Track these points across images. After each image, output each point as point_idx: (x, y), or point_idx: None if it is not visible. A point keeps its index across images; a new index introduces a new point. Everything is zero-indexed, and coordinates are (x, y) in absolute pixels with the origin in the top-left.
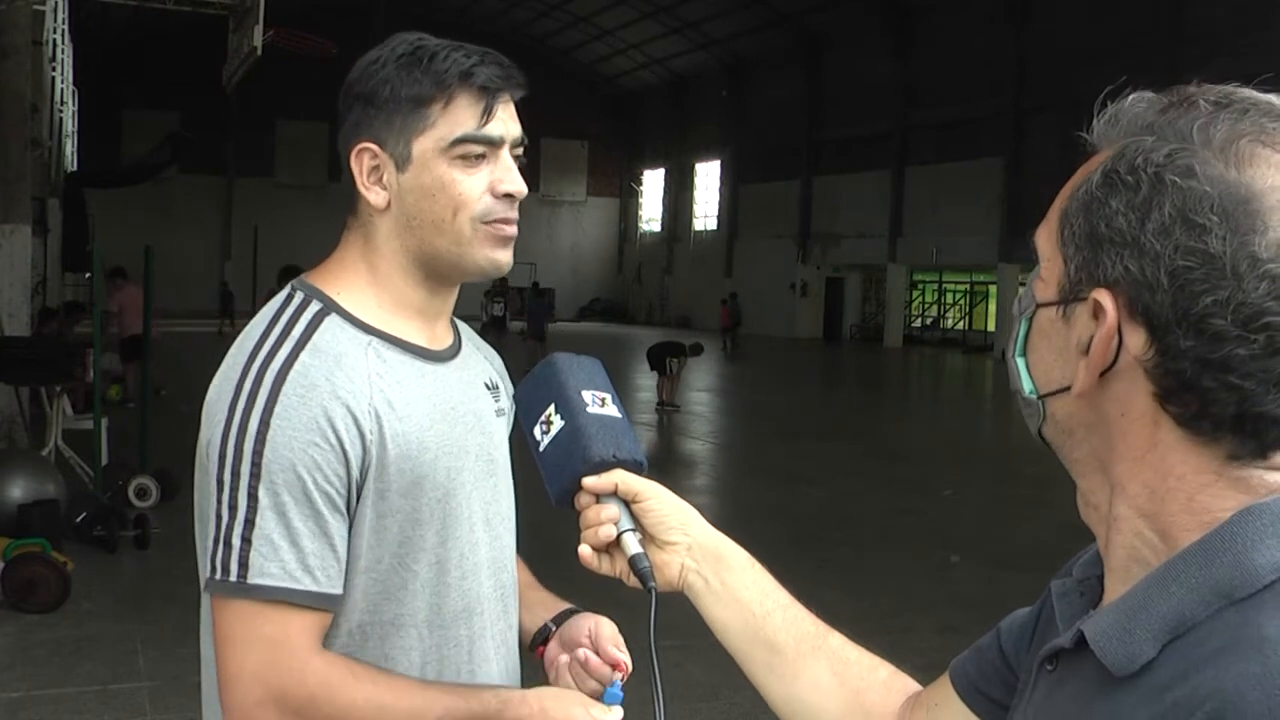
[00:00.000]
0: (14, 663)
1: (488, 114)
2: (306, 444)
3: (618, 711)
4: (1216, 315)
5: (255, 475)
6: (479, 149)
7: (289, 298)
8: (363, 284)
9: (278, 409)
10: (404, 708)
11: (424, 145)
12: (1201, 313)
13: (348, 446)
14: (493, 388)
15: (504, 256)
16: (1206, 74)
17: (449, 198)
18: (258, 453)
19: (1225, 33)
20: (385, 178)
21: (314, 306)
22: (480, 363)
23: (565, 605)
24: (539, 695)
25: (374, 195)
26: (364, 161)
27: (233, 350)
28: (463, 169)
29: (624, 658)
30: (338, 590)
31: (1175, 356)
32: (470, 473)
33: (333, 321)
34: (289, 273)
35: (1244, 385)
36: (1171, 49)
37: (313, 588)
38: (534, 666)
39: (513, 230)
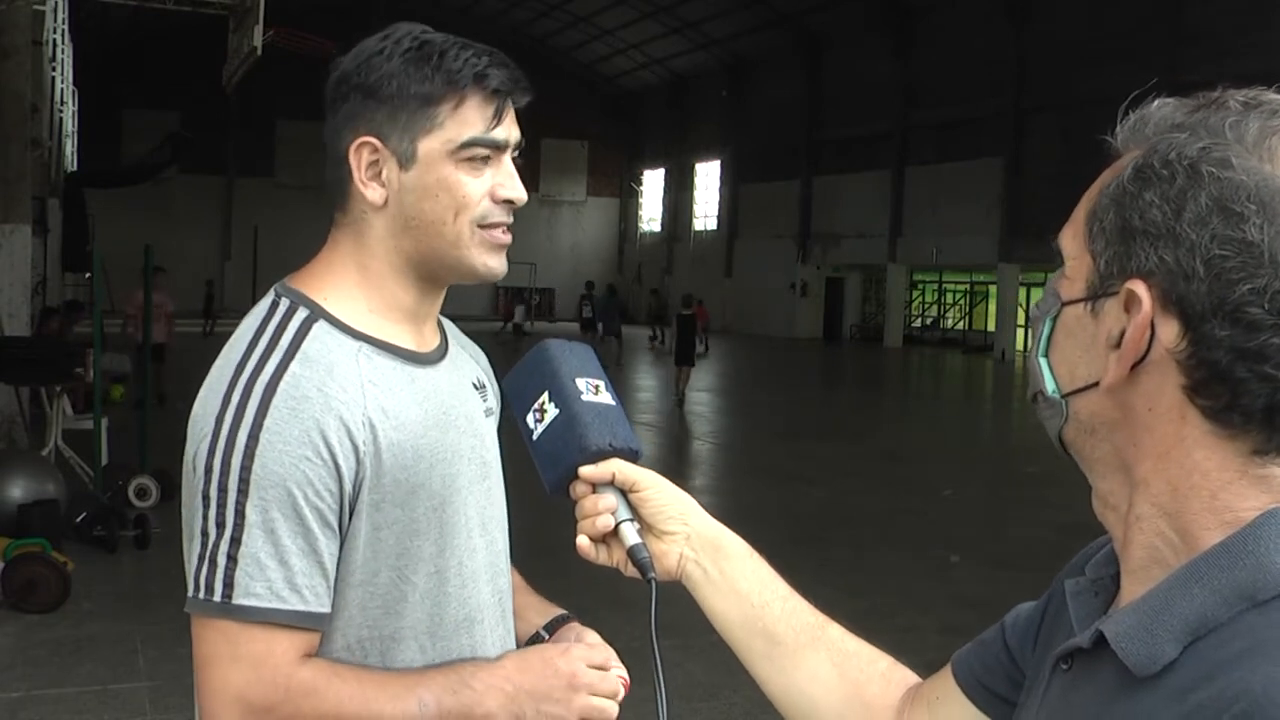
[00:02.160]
0: (14, 663)
1: (497, 117)
2: (298, 459)
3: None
4: (1253, 304)
5: (243, 491)
6: (485, 152)
7: (274, 305)
8: (351, 286)
9: (268, 422)
10: (386, 696)
11: (430, 145)
12: (1238, 301)
13: (340, 460)
14: (480, 387)
15: (498, 264)
16: (1206, 74)
17: (452, 199)
18: (246, 468)
19: (1225, 33)
20: (385, 174)
21: (301, 313)
22: (467, 362)
23: (557, 611)
24: (519, 653)
25: (371, 191)
26: (363, 156)
27: (218, 361)
28: (468, 171)
29: (619, 673)
30: (325, 609)
31: (1210, 346)
32: (465, 477)
33: (321, 328)
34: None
35: (1277, 375)
36: (1171, 49)
37: (300, 607)
38: None
39: (508, 239)
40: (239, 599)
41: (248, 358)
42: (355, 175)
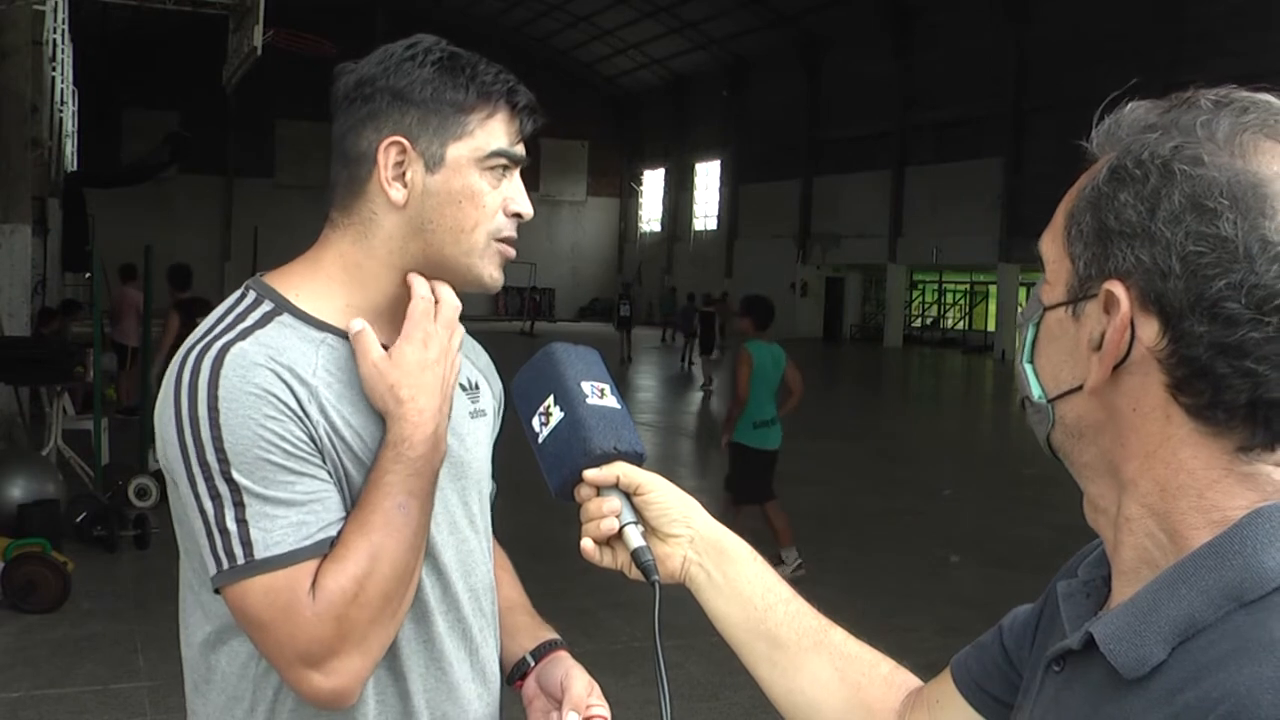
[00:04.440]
0: (14, 663)
1: (520, 135)
2: (262, 418)
3: None
4: (1230, 299)
5: (224, 461)
6: (505, 164)
7: (240, 297)
8: (333, 284)
9: (221, 392)
10: (382, 525)
11: (459, 151)
12: (1215, 296)
13: (299, 412)
14: (470, 388)
15: (501, 276)
16: (1206, 74)
17: (475, 207)
18: (217, 439)
19: (1225, 33)
20: (409, 175)
21: (265, 306)
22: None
23: (547, 635)
24: None
25: (395, 191)
26: (390, 155)
27: (179, 350)
28: (490, 181)
29: (601, 712)
30: (339, 514)
31: (1189, 343)
32: None
33: (283, 321)
34: (178, 271)
35: (1258, 370)
36: (1171, 49)
37: (319, 536)
38: (513, 696)
39: (513, 253)
40: (262, 553)
41: (201, 338)
42: (381, 174)
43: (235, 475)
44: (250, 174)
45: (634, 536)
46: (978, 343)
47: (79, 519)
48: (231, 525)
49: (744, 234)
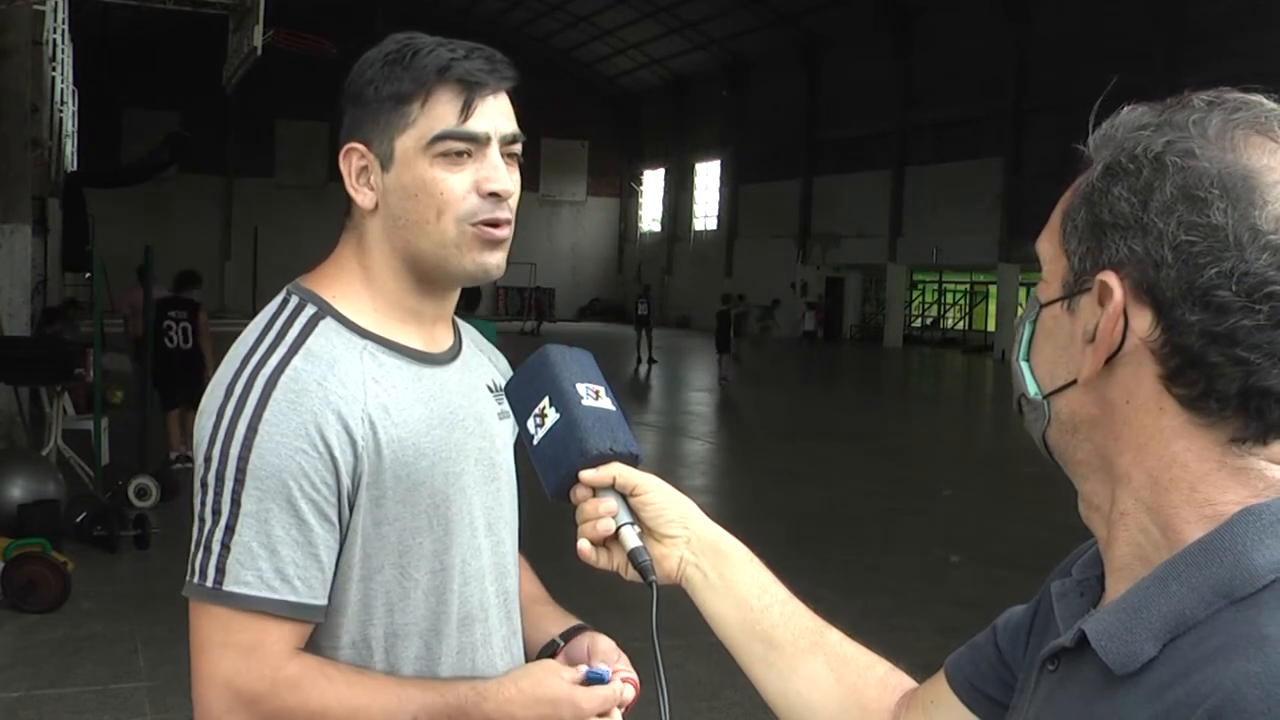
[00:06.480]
0: (14, 663)
1: (467, 109)
2: (294, 451)
3: (606, 687)
4: (1221, 287)
5: (240, 481)
6: (460, 146)
7: (284, 302)
8: (358, 287)
9: (266, 414)
10: (378, 707)
11: (405, 144)
12: (1206, 285)
13: (338, 453)
14: (496, 390)
15: (492, 260)
16: (1206, 74)
17: (431, 198)
18: (243, 459)
19: (1225, 33)
20: (372, 178)
21: (309, 310)
22: (483, 365)
23: (574, 621)
24: (514, 679)
25: (362, 196)
26: (352, 162)
27: (228, 356)
28: (444, 167)
29: (630, 675)
30: (319, 600)
31: (1182, 332)
32: (471, 477)
33: (328, 325)
34: (185, 278)
35: (1249, 358)
36: (1171, 49)
37: (290, 597)
38: None
39: (502, 233)
40: (229, 586)
41: (253, 352)
42: (347, 181)
43: (244, 497)
44: (250, 174)
45: (630, 537)
46: (978, 343)
47: (79, 519)
48: (216, 546)
49: (744, 234)
